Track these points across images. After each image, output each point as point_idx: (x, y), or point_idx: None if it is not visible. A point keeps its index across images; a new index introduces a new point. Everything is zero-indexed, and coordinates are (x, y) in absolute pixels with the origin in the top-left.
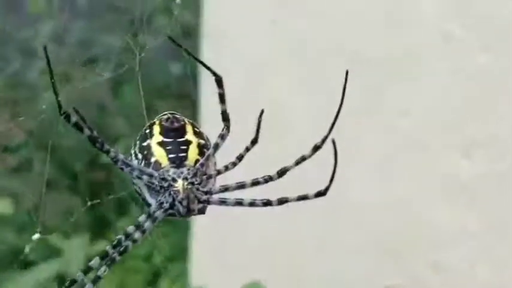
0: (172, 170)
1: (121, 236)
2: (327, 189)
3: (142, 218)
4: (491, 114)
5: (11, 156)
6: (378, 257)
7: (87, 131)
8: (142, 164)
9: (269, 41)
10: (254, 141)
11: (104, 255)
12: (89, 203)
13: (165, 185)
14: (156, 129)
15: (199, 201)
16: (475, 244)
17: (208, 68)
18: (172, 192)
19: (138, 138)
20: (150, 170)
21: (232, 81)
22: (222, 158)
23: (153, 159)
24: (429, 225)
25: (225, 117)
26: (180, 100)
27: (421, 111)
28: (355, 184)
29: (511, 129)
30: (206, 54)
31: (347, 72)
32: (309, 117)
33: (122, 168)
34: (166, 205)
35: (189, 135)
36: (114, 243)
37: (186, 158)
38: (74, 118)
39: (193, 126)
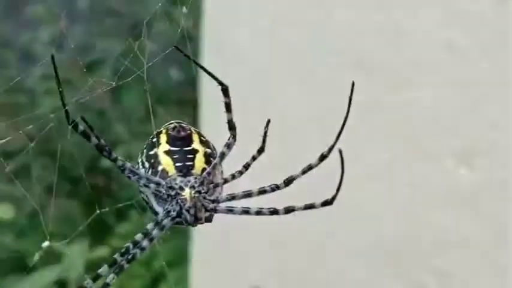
0: (179, 179)
1: (129, 244)
2: (333, 198)
3: (150, 226)
4: (492, 121)
5: (11, 161)
6: (378, 263)
7: (94, 140)
8: (150, 173)
9: (271, 48)
10: (261, 150)
11: (112, 263)
12: (98, 211)
13: (172, 193)
14: (163, 138)
15: (207, 210)
16: (477, 251)
17: (214, 78)
18: (179, 201)
19: (144, 147)
20: (157, 179)
21: (233, 88)
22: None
23: (160, 168)
24: (430, 231)
25: (231, 126)
26: (180, 106)
27: (422, 118)
28: (356, 190)
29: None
30: (207, 60)
31: (353, 84)
32: (315, 124)
33: (129, 177)
34: (173, 213)
35: (196, 144)
36: (123, 251)
37: (192, 166)
38: (81, 127)
39: (200, 135)
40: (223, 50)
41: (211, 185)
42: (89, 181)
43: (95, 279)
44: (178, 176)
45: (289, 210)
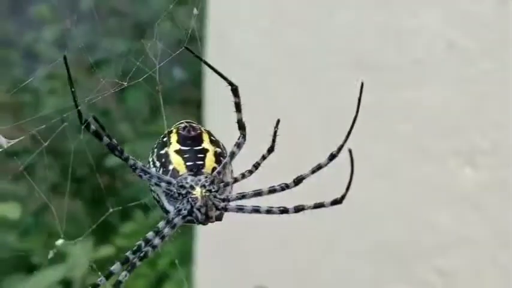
0: (190, 178)
1: (141, 242)
2: (343, 197)
3: (161, 224)
4: (495, 121)
5: (15, 161)
6: (383, 263)
7: (106, 139)
8: (161, 172)
9: (274, 48)
10: (270, 150)
11: (124, 260)
12: (111, 209)
13: (183, 192)
14: (174, 137)
15: (217, 208)
16: (481, 251)
17: (224, 78)
18: (190, 200)
19: (155, 146)
20: (168, 178)
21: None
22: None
23: (171, 167)
24: (434, 231)
25: (241, 125)
26: (184, 106)
27: (425, 118)
28: (360, 190)
29: None
30: (210, 61)
31: (362, 84)
32: (319, 124)
33: (140, 176)
34: (184, 212)
35: (206, 144)
36: (134, 248)
37: (203, 165)
38: (93, 126)
39: (210, 135)
40: (227, 50)
41: (221, 184)
42: (94, 181)
43: (107, 276)
44: (189, 175)
45: (299, 209)
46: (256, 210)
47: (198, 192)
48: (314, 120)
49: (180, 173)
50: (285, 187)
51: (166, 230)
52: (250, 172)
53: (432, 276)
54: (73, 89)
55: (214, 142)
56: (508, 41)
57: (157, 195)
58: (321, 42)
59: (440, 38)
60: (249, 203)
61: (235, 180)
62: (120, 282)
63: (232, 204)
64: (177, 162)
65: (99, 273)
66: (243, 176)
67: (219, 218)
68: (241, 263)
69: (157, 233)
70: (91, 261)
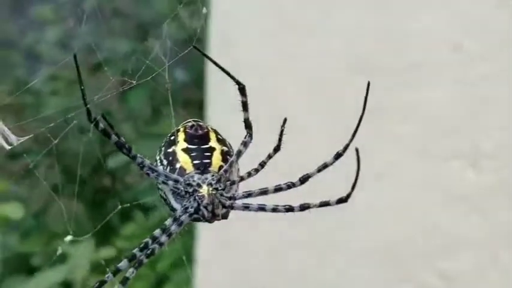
0: (197, 176)
1: (148, 239)
2: (348, 196)
3: (168, 221)
4: (497, 123)
5: (16, 162)
6: (384, 264)
7: (114, 137)
8: (168, 170)
9: (276, 48)
10: (277, 149)
11: (131, 257)
12: (120, 206)
13: (190, 190)
14: (181, 136)
15: (224, 207)
16: (482, 252)
17: (232, 77)
18: (197, 198)
19: (162, 144)
20: (175, 176)
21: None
22: None
23: (178, 165)
24: (437, 233)
25: (248, 124)
26: (186, 106)
27: (427, 120)
28: (361, 191)
29: None
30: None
31: (368, 84)
32: (320, 124)
33: (148, 174)
34: (191, 210)
35: (213, 142)
36: (141, 246)
37: (210, 164)
38: (101, 124)
39: (217, 134)
40: (229, 51)
41: (228, 182)
42: (95, 182)
43: (114, 273)
44: (196, 173)
45: (304, 207)
46: (262, 208)
47: (204, 190)
48: (320, 120)
49: (187, 171)
50: (291, 185)
51: (173, 228)
52: (257, 171)
53: (434, 278)
54: (82, 87)
55: (221, 141)
56: (510, 44)
57: (164, 193)
58: (322, 43)
59: (442, 40)
60: (255, 201)
61: (242, 178)
62: (127, 278)
63: (239, 202)
64: (184, 160)
65: (107, 269)
66: (249, 174)
67: (225, 216)
68: (241, 264)
69: (164, 230)
70: (93, 261)
